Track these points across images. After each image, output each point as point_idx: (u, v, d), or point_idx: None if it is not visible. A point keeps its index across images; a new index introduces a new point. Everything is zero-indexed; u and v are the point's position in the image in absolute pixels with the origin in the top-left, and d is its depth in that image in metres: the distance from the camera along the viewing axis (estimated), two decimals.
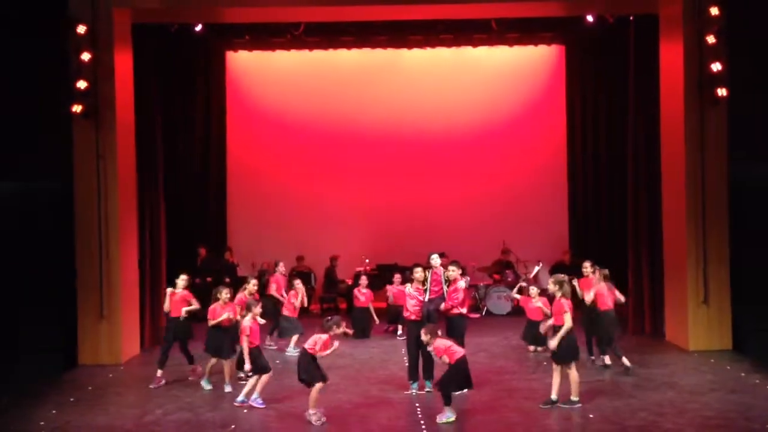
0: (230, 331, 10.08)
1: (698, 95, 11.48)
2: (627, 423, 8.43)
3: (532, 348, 11.81)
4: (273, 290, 12.85)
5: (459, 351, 8.76)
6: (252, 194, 16.66)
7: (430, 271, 9.88)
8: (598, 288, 10.64)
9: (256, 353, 9.27)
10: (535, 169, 16.62)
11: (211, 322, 10.08)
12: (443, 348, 8.72)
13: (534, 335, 11.53)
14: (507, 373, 10.69)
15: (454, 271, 9.74)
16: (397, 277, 13.75)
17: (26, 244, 10.69)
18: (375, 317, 13.32)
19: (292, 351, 11.87)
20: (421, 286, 9.88)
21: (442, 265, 10.01)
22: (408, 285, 10.10)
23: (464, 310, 9.83)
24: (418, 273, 9.95)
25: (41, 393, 9.95)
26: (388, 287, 13.84)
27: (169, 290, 10.51)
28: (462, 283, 9.74)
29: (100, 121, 11.47)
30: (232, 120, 16.69)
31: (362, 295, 13.43)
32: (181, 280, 10.52)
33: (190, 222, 16.04)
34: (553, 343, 8.92)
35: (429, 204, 16.52)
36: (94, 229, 11.55)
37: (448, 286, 9.71)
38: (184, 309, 10.33)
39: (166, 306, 10.47)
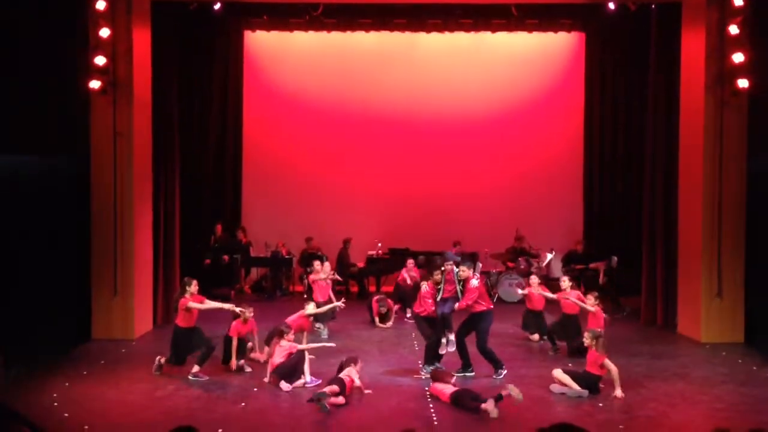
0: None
1: (719, 86, 11.35)
2: (637, 413, 8.44)
3: (535, 337, 11.83)
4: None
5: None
6: (267, 174, 16.65)
7: (444, 271, 10.01)
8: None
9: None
10: (551, 158, 16.51)
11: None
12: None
13: (537, 324, 11.75)
14: (517, 359, 10.69)
15: (464, 271, 9.79)
16: (410, 262, 13.76)
17: (42, 218, 10.75)
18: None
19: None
20: (435, 286, 10.07)
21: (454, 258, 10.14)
22: (423, 283, 10.33)
23: (484, 306, 9.81)
24: (437, 276, 10.13)
25: (55, 366, 10.06)
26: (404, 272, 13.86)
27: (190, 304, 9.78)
28: (474, 282, 9.78)
29: (117, 98, 11.48)
30: (249, 99, 16.67)
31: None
32: (193, 285, 9.89)
33: (205, 200, 16.09)
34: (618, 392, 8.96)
35: (443, 189, 16.44)
36: (109, 205, 11.61)
37: (461, 286, 9.77)
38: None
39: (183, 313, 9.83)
